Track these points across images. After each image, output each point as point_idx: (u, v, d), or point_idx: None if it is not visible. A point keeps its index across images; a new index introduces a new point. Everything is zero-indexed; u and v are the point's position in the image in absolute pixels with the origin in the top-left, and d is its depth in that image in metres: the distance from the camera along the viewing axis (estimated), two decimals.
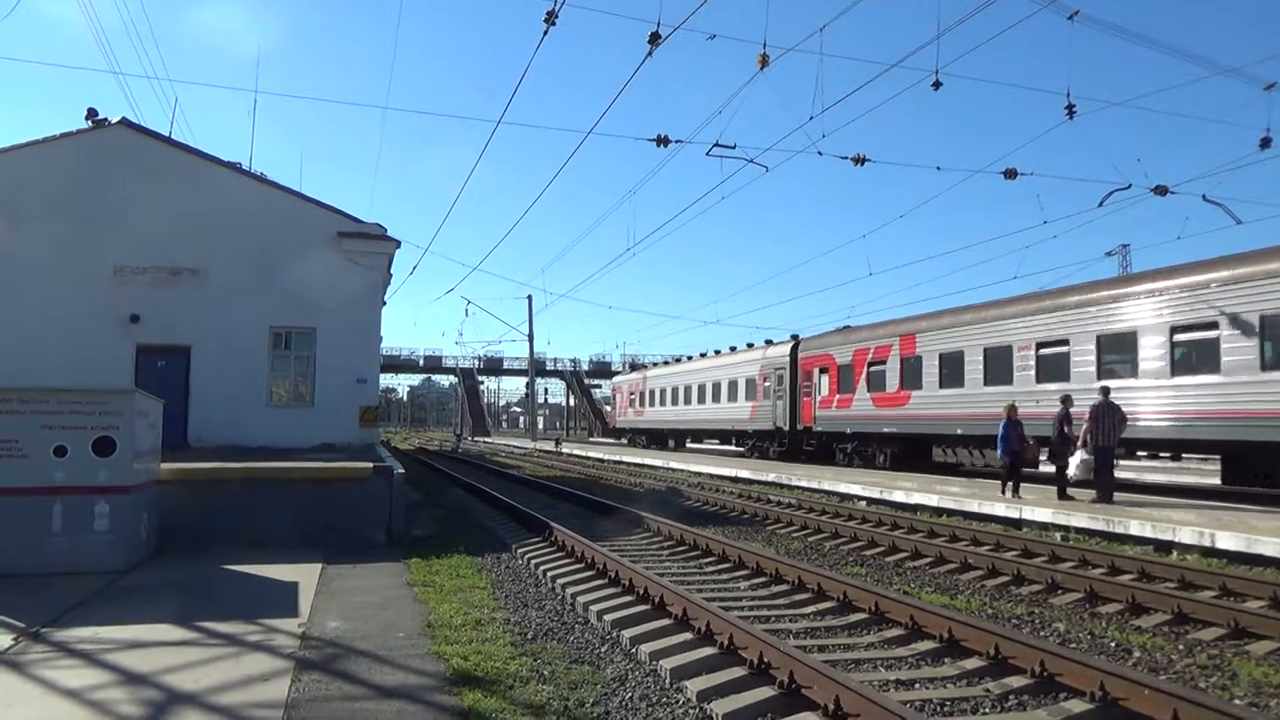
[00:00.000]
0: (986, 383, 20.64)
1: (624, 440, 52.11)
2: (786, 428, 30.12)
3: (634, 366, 51.13)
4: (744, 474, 23.81)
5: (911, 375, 23.48)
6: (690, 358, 43.39)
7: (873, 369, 25.31)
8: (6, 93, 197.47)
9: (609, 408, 57.74)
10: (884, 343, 24.85)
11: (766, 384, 31.70)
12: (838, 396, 26.96)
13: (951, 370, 21.97)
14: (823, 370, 28.10)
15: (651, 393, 45.51)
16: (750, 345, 35.90)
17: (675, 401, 41.90)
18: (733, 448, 39.38)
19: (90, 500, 9.34)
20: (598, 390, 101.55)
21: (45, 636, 6.57)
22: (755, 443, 33.23)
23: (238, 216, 20.66)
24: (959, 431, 21.73)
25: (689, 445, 44.88)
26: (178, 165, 20.73)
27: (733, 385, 35.01)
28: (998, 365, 20.40)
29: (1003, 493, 15.66)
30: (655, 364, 48.58)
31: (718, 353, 39.49)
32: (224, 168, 21.78)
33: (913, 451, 24.14)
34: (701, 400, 38.31)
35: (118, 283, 19.83)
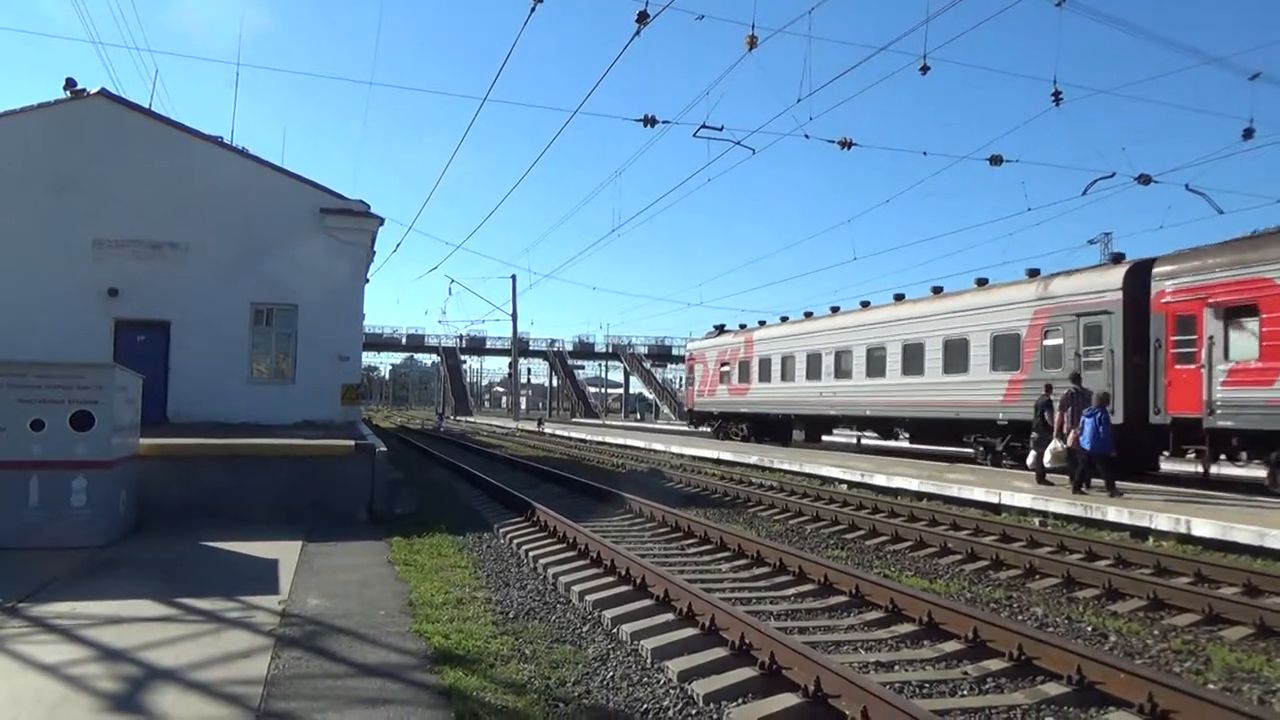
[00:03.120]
0: None
1: (704, 428, 36.88)
2: (1119, 418, 16.32)
3: (720, 329, 35.59)
4: (726, 456, 23.87)
5: None
6: (836, 309, 28.28)
7: None
8: None
9: (689, 386, 38.26)
10: None
11: (1053, 341, 18.54)
12: None
13: None
14: (1239, 311, 15.11)
15: (764, 361, 30.34)
16: (981, 283, 21.94)
17: (815, 374, 27.21)
18: (902, 444, 26.50)
19: (68, 475, 9.25)
20: (581, 372, 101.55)
21: (22, 611, 6.51)
22: (1010, 441, 19.51)
23: (219, 191, 20.38)
24: None
25: (821, 439, 31.32)
26: (158, 138, 20.41)
27: (955, 347, 21.24)
28: None
29: (1081, 490, 13.90)
30: (765, 322, 32.44)
31: (899, 298, 25.19)
32: (205, 141, 21.46)
33: None
34: (876, 372, 24.18)
35: (96, 256, 19.55)
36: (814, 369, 27.42)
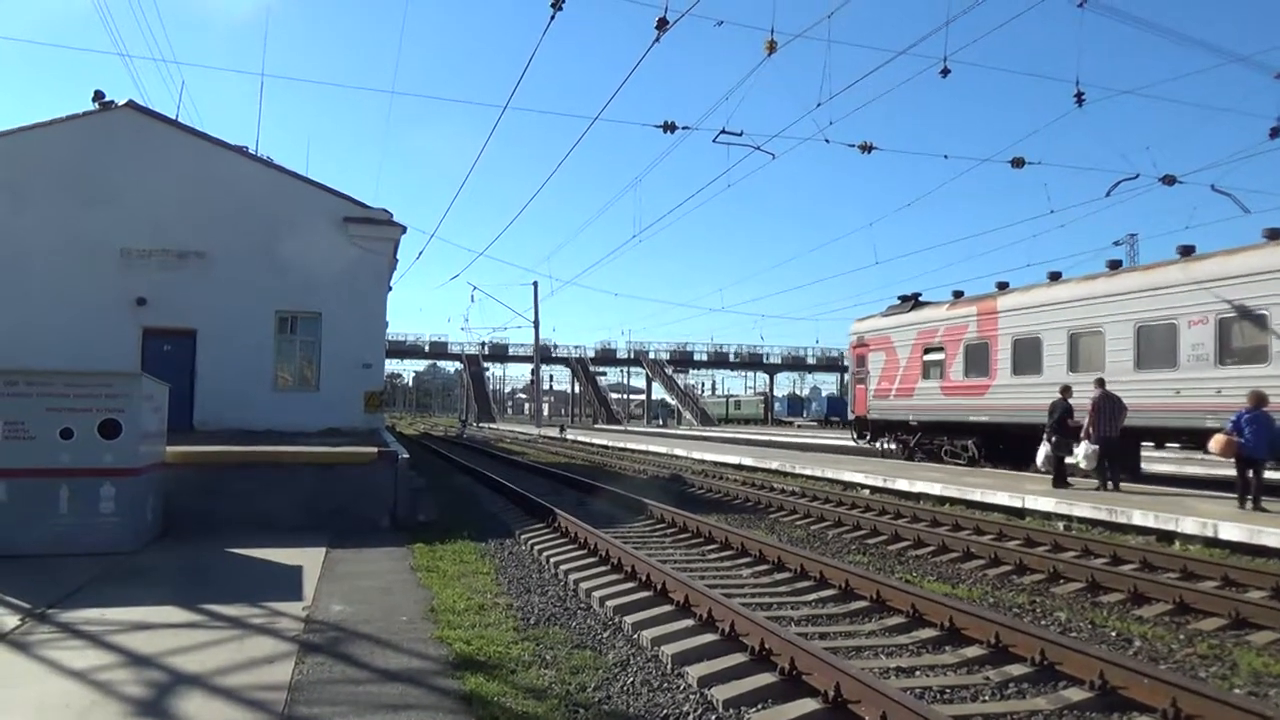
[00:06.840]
0: None
1: (884, 443, 25.06)
2: None
3: (913, 300, 24.59)
4: (747, 461, 23.81)
5: None
6: (1192, 249, 16.42)
7: None
8: (13, 74, 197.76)
9: (859, 385, 25.97)
10: None
11: None
12: None
13: None
14: None
15: (1023, 343, 19.45)
16: None
17: (1160, 358, 16.15)
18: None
19: (96, 482, 9.40)
20: (602, 378, 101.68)
21: (51, 617, 6.62)
22: None
23: (244, 200, 20.68)
24: None
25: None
26: (185, 148, 20.75)
27: None
28: None
29: (1244, 505, 12.13)
30: (1006, 285, 21.38)
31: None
32: (231, 151, 21.77)
33: None
34: None
35: (124, 265, 19.87)
36: (1156, 350, 16.35)
